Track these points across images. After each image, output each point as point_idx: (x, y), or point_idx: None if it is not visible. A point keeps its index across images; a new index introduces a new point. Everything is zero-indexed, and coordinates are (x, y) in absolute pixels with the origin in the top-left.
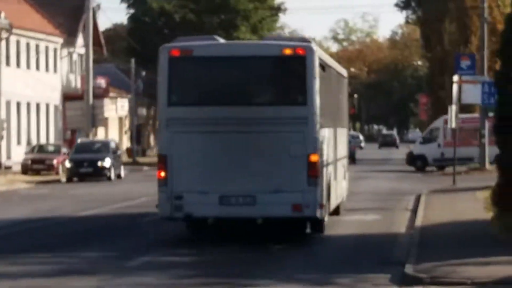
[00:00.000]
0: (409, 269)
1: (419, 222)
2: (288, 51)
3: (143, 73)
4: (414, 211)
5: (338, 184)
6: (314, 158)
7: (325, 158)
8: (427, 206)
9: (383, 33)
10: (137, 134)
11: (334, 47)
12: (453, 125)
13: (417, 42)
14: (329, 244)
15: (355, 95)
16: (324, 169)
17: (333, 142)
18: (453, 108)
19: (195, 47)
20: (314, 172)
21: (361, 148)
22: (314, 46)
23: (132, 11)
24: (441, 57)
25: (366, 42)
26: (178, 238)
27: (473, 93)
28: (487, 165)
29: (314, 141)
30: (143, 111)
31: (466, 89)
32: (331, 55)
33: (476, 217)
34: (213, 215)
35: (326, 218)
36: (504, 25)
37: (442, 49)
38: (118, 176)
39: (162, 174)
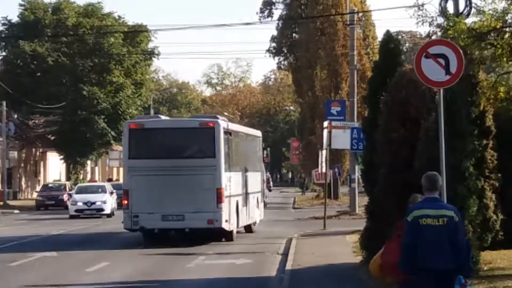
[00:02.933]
0: None
1: (289, 265)
2: (203, 124)
3: (15, 116)
4: (285, 255)
5: (249, 210)
6: (220, 190)
7: (230, 191)
8: (298, 249)
9: (256, 78)
10: (8, 177)
11: (208, 91)
12: (323, 169)
13: (289, 87)
14: None
15: (268, 149)
16: (230, 198)
17: (242, 181)
18: (323, 153)
19: (145, 122)
20: (220, 199)
21: None
22: (220, 121)
23: (3, 53)
24: (312, 103)
25: (239, 86)
26: (51, 279)
27: (342, 139)
28: (357, 209)
29: (220, 180)
30: (14, 154)
31: (336, 134)
32: (204, 99)
33: (345, 260)
34: (157, 227)
35: (235, 231)
36: (372, 72)
37: (313, 95)
38: None
39: (125, 201)
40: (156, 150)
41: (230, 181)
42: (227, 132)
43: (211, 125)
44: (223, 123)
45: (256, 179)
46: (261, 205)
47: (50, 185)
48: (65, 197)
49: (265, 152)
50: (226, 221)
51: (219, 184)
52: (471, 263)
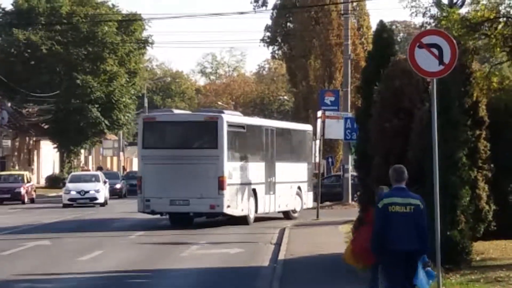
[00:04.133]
0: None
1: (282, 255)
2: (208, 118)
3: (9, 104)
4: (278, 245)
5: (281, 197)
6: (222, 178)
7: (240, 179)
8: (290, 239)
9: (250, 68)
10: (2, 166)
11: (202, 81)
12: (317, 159)
13: (283, 77)
14: (191, 278)
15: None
16: (239, 186)
17: (265, 170)
18: (317, 143)
19: (157, 115)
20: (222, 186)
21: None
22: (224, 115)
23: None
24: (306, 92)
25: (233, 76)
26: (43, 268)
27: (336, 129)
28: (350, 200)
29: (222, 169)
30: (8, 142)
31: (330, 124)
32: (198, 88)
33: (337, 250)
34: (166, 211)
35: (251, 216)
36: (366, 62)
37: (307, 85)
38: None
39: (139, 187)
40: (166, 141)
41: (241, 170)
42: (237, 126)
43: (215, 119)
44: (228, 117)
45: (296, 170)
46: (307, 194)
47: (5, 176)
48: (23, 190)
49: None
50: (228, 206)
51: (221, 172)
52: (429, 244)
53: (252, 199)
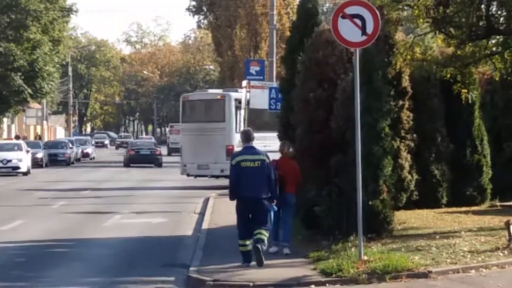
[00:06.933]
0: (193, 271)
1: (206, 225)
2: (219, 97)
3: None
4: (202, 214)
5: None
6: (229, 147)
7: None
8: (214, 209)
9: (176, 37)
10: None
11: (127, 50)
12: (241, 129)
13: (209, 46)
14: (114, 247)
15: None
16: None
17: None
18: (242, 112)
19: (190, 95)
20: (229, 153)
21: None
22: (232, 94)
23: None
24: (231, 62)
25: (158, 45)
26: None
27: (261, 99)
28: None
29: (230, 139)
30: None
31: (255, 94)
32: (123, 57)
33: None
34: (195, 174)
35: None
36: (290, 33)
37: (233, 54)
38: None
39: (180, 154)
40: (194, 116)
41: (263, 140)
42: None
43: (223, 97)
44: (237, 95)
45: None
46: None
47: None
48: None
49: None
50: None
51: (228, 142)
52: (277, 191)
53: None
